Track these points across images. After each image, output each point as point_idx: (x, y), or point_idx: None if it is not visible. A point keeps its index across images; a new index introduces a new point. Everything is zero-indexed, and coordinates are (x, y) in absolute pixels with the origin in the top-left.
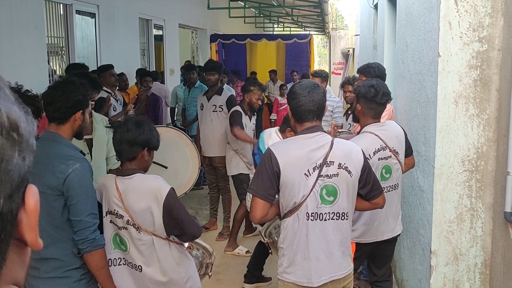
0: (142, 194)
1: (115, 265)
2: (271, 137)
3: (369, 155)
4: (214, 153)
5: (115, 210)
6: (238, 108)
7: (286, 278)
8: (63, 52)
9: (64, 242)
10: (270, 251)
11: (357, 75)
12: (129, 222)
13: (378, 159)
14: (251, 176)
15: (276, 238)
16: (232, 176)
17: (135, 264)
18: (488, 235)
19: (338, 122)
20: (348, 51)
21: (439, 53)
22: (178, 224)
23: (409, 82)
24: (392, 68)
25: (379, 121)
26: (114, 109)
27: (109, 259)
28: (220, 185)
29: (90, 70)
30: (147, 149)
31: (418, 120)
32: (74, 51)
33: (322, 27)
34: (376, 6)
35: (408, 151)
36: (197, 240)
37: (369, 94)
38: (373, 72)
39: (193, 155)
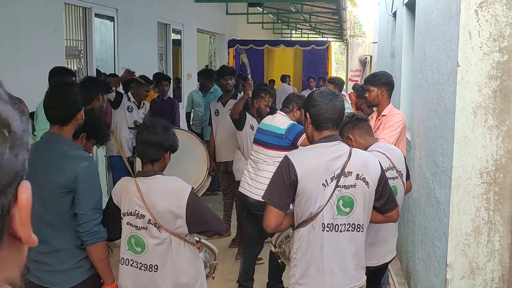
0: (164, 194)
1: (125, 265)
2: None
3: None
4: (232, 157)
5: (136, 210)
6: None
7: None
8: (81, 55)
9: (71, 234)
10: (279, 260)
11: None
12: (151, 221)
13: (388, 178)
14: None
15: (285, 248)
16: None
17: (150, 265)
18: (506, 249)
19: None
20: (366, 58)
21: (458, 63)
22: (202, 221)
23: (427, 91)
24: (410, 77)
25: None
26: (130, 109)
27: (121, 257)
28: (234, 191)
29: (107, 73)
30: (170, 152)
31: (435, 130)
32: (92, 54)
33: (340, 34)
34: (394, 14)
35: (407, 175)
36: (203, 241)
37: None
38: (379, 80)
39: (203, 157)
